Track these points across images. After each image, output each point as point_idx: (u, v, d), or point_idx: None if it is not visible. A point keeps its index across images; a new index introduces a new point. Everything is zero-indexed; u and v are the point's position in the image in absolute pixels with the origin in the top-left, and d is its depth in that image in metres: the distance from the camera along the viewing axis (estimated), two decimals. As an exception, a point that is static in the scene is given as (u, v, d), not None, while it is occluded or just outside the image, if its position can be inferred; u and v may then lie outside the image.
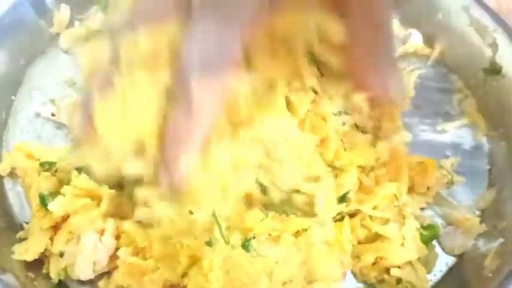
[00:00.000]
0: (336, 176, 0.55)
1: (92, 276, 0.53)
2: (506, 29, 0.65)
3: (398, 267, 0.55)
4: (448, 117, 0.67)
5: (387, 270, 0.55)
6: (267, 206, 0.52)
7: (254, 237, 0.50)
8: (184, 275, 0.51)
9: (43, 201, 0.54)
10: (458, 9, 0.68)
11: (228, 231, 0.50)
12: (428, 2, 0.70)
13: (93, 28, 0.70)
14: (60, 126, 0.64)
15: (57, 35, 0.70)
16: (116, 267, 0.54)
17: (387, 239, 0.54)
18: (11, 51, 0.65)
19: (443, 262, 0.57)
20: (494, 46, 0.65)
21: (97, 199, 0.56)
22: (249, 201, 0.52)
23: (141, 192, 0.48)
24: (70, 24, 0.70)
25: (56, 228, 0.55)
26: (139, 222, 0.54)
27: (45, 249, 0.54)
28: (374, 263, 0.55)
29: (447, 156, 0.64)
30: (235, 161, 0.49)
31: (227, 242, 0.49)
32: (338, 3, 0.49)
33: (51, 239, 0.54)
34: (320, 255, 0.52)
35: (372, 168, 0.57)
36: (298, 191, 0.52)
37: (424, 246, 0.56)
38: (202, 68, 0.43)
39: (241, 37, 0.44)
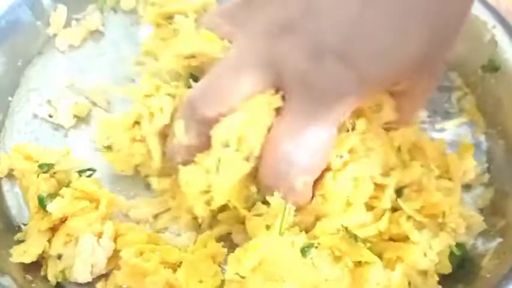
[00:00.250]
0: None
1: (90, 278, 0.53)
2: (506, 26, 0.64)
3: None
4: (446, 115, 0.67)
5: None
6: None
7: (317, 247, 0.50)
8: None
9: (42, 203, 0.54)
10: (457, 6, 0.67)
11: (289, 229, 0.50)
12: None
13: (91, 28, 0.70)
14: (57, 127, 0.64)
15: (54, 35, 0.69)
16: (114, 268, 0.54)
17: (413, 243, 0.53)
18: (8, 52, 0.65)
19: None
20: (493, 43, 0.65)
21: (96, 202, 0.56)
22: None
23: None
24: (67, 24, 0.70)
25: (54, 230, 0.55)
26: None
27: (43, 252, 0.54)
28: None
29: (446, 156, 0.63)
30: None
31: (281, 233, 0.49)
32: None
33: (49, 241, 0.54)
34: None
35: None
36: None
37: (450, 265, 0.54)
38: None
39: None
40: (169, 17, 0.67)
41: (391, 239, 0.55)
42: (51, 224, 0.54)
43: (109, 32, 0.71)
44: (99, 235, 0.54)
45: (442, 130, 0.65)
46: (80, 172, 0.58)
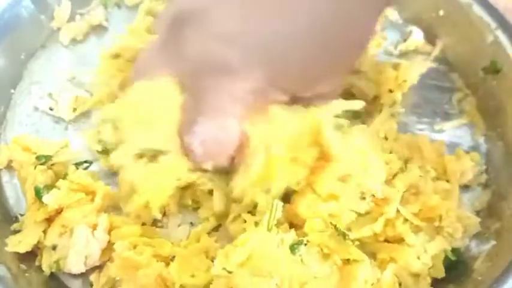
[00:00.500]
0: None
1: (83, 269, 0.54)
2: (508, 27, 0.64)
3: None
4: (446, 116, 0.66)
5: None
6: None
7: (306, 244, 0.50)
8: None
9: (38, 194, 0.55)
10: (460, 6, 0.67)
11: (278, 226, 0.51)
12: (430, -1, 0.70)
13: (94, 23, 0.71)
14: (58, 120, 0.65)
15: (58, 29, 0.70)
16: (108, 260, 0.54)
17: (408, 246, 0.53)
18: (12, 45, 0.66)
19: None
20: (495, 44, 0.64)
21: (92, 194, 0.57)
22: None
23: None
24: (71, 18, 0.71)
25: (49, 221, 0.55)
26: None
27: (38, 242, 0.54)
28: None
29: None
30: None
31: (269, 229, 0.49)
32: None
33: (45, 232, 0.55)
34: None
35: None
36: None
37: (443, 269, 0.54)
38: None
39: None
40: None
41: (386, 241, 0.55)
42: (47, 215, 0.55)
43: (112, 27, 0.72)
44: (94, 227, 0.54)
45: (441, 131, 0.65)
46: (77, 164, 0.59)
